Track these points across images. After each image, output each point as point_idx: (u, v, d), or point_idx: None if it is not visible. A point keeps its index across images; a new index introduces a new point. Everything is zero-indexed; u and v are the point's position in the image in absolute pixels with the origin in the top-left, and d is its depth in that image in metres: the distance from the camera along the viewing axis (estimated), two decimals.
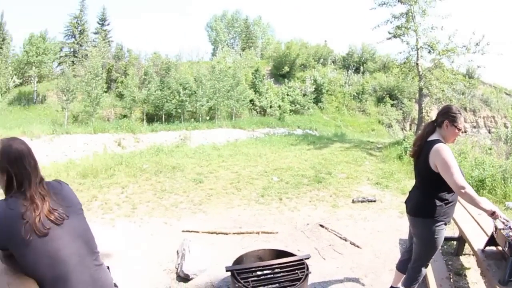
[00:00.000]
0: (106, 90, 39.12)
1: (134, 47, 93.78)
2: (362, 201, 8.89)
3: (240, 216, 8.38)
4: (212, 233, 7.36)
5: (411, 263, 4.38)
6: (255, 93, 43.13)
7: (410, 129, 41.91)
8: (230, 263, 5.13)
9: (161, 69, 43.93)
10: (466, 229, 5.03)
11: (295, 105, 44.18)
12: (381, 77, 52.24)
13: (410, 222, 4.35)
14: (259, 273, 4.83)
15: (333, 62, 58.82)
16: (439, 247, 4.23)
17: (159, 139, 24.70)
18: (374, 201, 8.97)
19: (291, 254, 5.05)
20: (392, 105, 47.57)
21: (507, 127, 42.27)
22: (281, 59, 52.14)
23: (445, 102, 22.63)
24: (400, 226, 7.38)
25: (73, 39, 58.09)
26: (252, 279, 4.65)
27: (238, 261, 5.05)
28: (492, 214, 3.80)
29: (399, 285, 4.77)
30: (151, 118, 37.02)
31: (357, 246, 6.44)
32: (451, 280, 5.21)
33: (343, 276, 5.44)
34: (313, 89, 47.23)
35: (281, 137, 25.04)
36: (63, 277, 2.53)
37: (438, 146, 3.82)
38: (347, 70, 54.35)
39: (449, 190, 3.88)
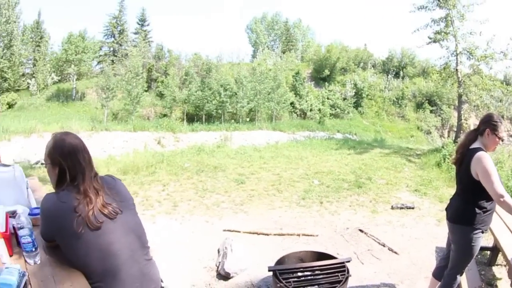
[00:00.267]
0: (146, 89, 39.58)
1: (174, 47, 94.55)
2: (401, 208, 8.89)
3: (281, 218, 8.43)
4: (253, 233, 7.44)
5: (447, 270, 4.36)
6: (296, 96, 42.99)
7: (449, 136, 41.11)
8: (270, 264, 5.18)
9: (201, 69, 44.14)
10: (502, 238, 4.99)
11: (335, 109, 43.91)
12: (420, 83, 51.65)
13: (449, 229, 4.36)
14: (299, 274, 4.82)
15: (373, 66, 58.29)
16: (475, 255, 4.24)
17: (199, 139, 24.85)
18: (413, 208, 8.95)
19: (332, 257, 5.10)
20: (431, 111, 46.92)
21: None
22: (321, 62, 51.86)
23: (484, 110, 22.40)
24: (437, 234, 7.35)
25: (112, 39, 58.97)
26: (293, 279, 4.64)
27: (280, 261, 5.08)
28: None
29: None
30: (191, 118, 37.14)
31: (395, 252, 6.46)
32: None
33: (380, 281, 5.48)
34: (353, 93, 46.83)
35: (322, 141, 24.95)
36: (113, 271, 2.57)
37: (479, 154, 3.85)
38: (387, 75, 53.79)
39: (488, 198, 3.91)
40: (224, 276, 5.83)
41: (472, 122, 32.24)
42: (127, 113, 35.53)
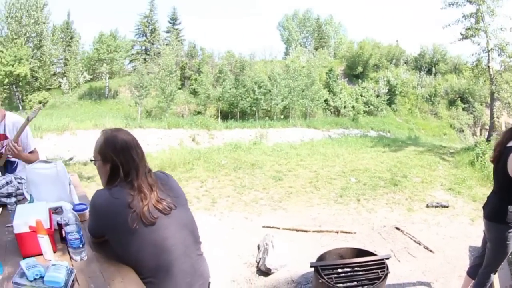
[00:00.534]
0: (180, 87, 39.88)
1: (207, 45, 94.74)
2: (436, 206, 8.91)
3: (319, 215, 8.48)
4: (292, 230, 7.51)
5: (482, 268, 4.35)
6: (329, 93, 42.80)
7: (481, 134, 40.47)
8: (310, 260, 5.14)
9: (235, 67, 44.24)
10: None
11: (369, 106, 43.67)
12: (452, 79, 51.05)
13: (485, 227, 4.33)
14: (339, 270, 4.84)
15: (405, 62, 57.83)
16: (509, 254, 4.23)
17: (234, 136, 24.94)
18: (447, 206, 8.96)
19: (372, 254, 5.12)
20: (463, 109, 46.39)
21: None
22: (354, 59, 51.67)
23: None
24: (470, 233, 7.36)
25: (144, 38, 59.52)
26: (334, 276, 4.66)
27: (321, 258, 5.09)
28: None
29: None
30: (225, 116, 37.17)
31: (430, 251, 6.49)
32: None
33: (415, 279, 5.53)
34: (386, 90, 46.43)
35: (357, 138, 24.91)
36: (166, 266, 2.58)
37: None
38: (419, 71, 53.31)
39: None
40: (264, 272, 5.88)
41: (504, 120, 31.75)
42: (161, 110, 35.87)
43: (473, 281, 4.57)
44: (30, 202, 3.58)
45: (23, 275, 2.27)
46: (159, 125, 26.77)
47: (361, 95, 45.13)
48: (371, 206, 8.98)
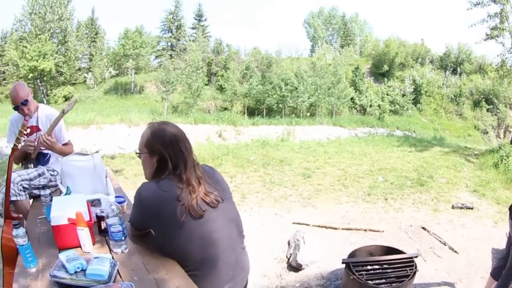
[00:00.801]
0: (206, 83, 39.97)
1: (233, 42, 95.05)
2: (461, 208, 8.93)
3: (348, 213, 8.57)
4: (322, 227, 7.59)
5: (505, 270, 4.34)
6: (355, 91, 42.58)
7: (505, 136, 40.19)
8: (339, 257, 5.25)
9: (261, 64, 44.30)
10: None
11: (394, 105, 43.41)
12: (477, 80, 50.27)
13: (510, 228, 4.37)
14: (369, 267, 4.92)
15: (430, 61, 57.24)
16: None
17: (260, 132, 25.02)
18: (472, 208, 8.97)
19: (401, 252, 5.18)
20: (487, 110, 45.71)
21: None
22: (380, 57, 51.32)
23: None
24: (494, 235, 7.38)
25: (169, 34, 60.16)
26: (364, 272, 4.75)
27: (352, 255, 5.14)
28: None
29: None
30: (251, 112, 37.16)
31: (455, 251, 6.53)
32: None
33: (440, 279, 5.56)
34: (412, 90, 46.06)
35: (383, 137, 24.87)
36: (211, 259, 2.57)
37: None
38: (445, 71, 52.70)
39: None
40: (295, 267, 5.92)
41: None
42: (187, 106, 36.00)
43: (496, 282, 4.59)
44: (67, 194, 3.59)
45: (62, 267, 2.30)
46: (185, 121, 26.75)
47: (387, 94, 44.84)
48: (398, 205, 9.05)
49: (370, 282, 4.56)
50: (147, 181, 2.78)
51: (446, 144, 20.13)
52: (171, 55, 53.89)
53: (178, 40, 61.17)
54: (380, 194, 9.85)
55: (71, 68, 49.18)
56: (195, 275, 2.47)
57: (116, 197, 3.57)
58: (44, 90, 44.40)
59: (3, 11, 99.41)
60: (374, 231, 7.40)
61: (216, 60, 50.24)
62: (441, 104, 48.56)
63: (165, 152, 2.63)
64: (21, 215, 3.93)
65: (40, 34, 45.84)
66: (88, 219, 2.76)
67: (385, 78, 49.17)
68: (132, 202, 2.87)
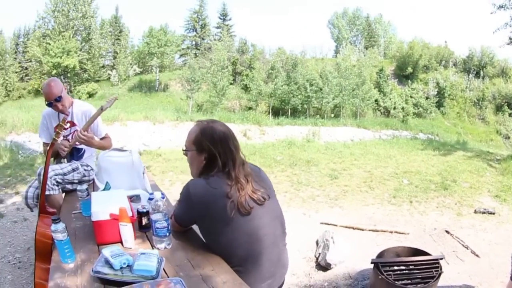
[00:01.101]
0: (232, 82, 40.29)
1: (257, 41, 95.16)
2: (483, 212, 8.92)
3: (374, 214, 8.64)
4: (349, 228, 7.68)
5: None
6: (380, 93, 42.48)
7: None
8: (366, 257, 5.39)
9: (286, 64, 44.38)
10: None
11: (418, 108, 43.00)
12: (500, 84, 49.57)
13: None
14: (395, 268, 4.98)
15: (454, 64, 56.53)
16: None
17: (285, 133, 24.94)
18: (493, 213, 8.95)
19: (427, 254, 5.25)
20: (509, 115, 44.94)
21: None
22: (404, 59, 50.89)
23: None
24: None
25: (194, 33, 60.54)
26: (392, 273, 4.84)
27: (380, 255, 5.26)
28: None
29: None
30: (276, 112, 37.19)
31: (477, 255, 6.56)
32: None
33: (462, 282, 5.60)
34: (436, 93, 45.62)
35: (408, 140, 24.68)
36: (255, 255, 2.61)
37: None
38: (468, 74, 52.07)
39: None
40: (323, 267, 5.98)
41: None
42: (212, 105, 36.26)
43: None
44: (105, 189, 3.64)
45: (106, 263, 2.31)
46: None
47: (411, 97, 44.49)
48: (423, 208, 9.09)
49: (397, 282, 4.64)
50: (193, 178, 2.87)
51: (469, 148, 19.96)
52: (195, 54, 54.24)
53: (203, 39, 61.52)
54: (405, 196, 9.89)
55: (95, 65, 49.79)
56: (238, 271, 2.50)
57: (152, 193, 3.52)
58: (68, 87, 43.62)
59: (25, 9, 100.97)
60: (400, 233, 7.49)
61: (241, 60, 50.38)
62: (464, 107, 48.06)
63: (215, 149, 2.67)
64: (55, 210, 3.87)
65: (63, 31, 46.41)
66: (131, 214, 2.82)
67: (409, 81, 48.73)
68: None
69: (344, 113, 37.69)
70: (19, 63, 55.11)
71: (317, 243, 6.67)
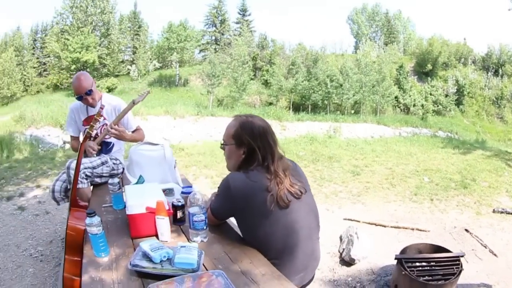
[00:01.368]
0: (252, 77, 40.25)
1: (277, 37, 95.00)
2: (501, 212, 8.88)
3: (396, 211, 8.67)
4: (371, 224, 7.75)
5: None
6: (399, 90, 42.37)
7: None
8: (388, 254, 5.56)
9: (306, 59, 44.31)
10: None
11: (437, 106, 42.77)
12: None
13: None
14: (417, 264, 5.02)
15: (473, 62, 56.00)
16: None
17: (305, 128, 24.85)
18: (511, 213, 8.86)
19: (448, 251, 5.28)
20: None
21: None
22: (423, 56, 50.58)
23: None
24: None
25: (213, 28, 60.87)
26: (414, 269, 4.86)
27: (403, 251, 5.27)
28: None
29: None
30: (296, 108, 37.24)
31: (494, 255, 6.55)
32: None
33: (479, 280, 5.60)
34: (455, 90, 45.31)
35: (428, 138, 24.47)
36: (291, 248, 2.62)
37: None
38: (487, 72, 51.64)
39: None
40: (347, 262, 5.98)
41: None
42: (232, 100, 36.27)
43: None
44: (138, 183, 3.68)
45: (143, 256, 2.31)
46: (230, 114, 26.48)
47: (430, 94, 44.25)
48: (443, 206, 9.12)
49: (420, 278, 4.68)
50: (231, 172, 2.86)
51: (488, 147, 19.71)
52: (215, 49, 54.40)
53: (222, 34, 61.76)
54: (426, 194, 9.89)
55: (114, 60, 50.33)
56: (274, 264, 2.49)
57: (185, 187, 3.60)
58: None
59: (42, 5, 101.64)
60: (421, 230, 7.53)
61: (261, 55, 50.43)
62: (483, 106, 47.68)
63: (254, 143, 2.69)
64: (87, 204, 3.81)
65: (82, 27, 46.95)
66: (168, 208, 2.82)
67: (429, 78, 48.43)
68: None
69: (364, 109, 37.62)
70: (37, 58, 55.96)
71: (340, 238, 6.69)
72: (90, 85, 4.48)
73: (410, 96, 42.56)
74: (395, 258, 4.99)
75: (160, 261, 2.25)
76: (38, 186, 9.50)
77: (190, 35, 51.46)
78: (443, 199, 9.63)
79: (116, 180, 3.49)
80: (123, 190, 3.44)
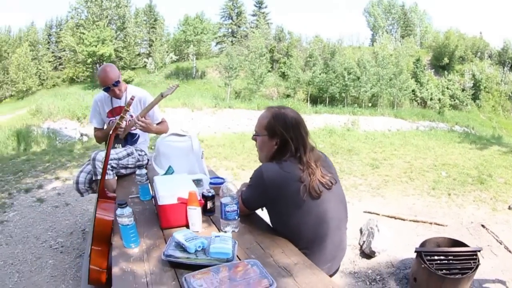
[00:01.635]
0: (269, 69, 40.81)
1: (294, 29, 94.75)
2: None
3: (414, 205, 8.69)
4: (391, 217, 7.78)
5: None
6: (416, 83, 42.45)
7: None
8: (407, 247, 5.66)
9: (323, 52, 44.27)
10: None
11: (454, 100, 42.79)
12: None
13: None
14: (435, 257, 5.00)
15: (489, 56, 55.64)
16: None
17: (323, 121, 24.83)
18: None
19: (465, 245, 5.33)
20: None
21: None
22: (440, 49, 50.56)
23: None
24: None
25: (230, 21, 61.06)
26: (434, 262, 4.93)
27: (422, 245, 5.32)
28: None
29: None
30: (314, 100, 37.52)
31: (510, 251, 6.51)
32: None
33: (494, 276, 5.59)
34: (472, 85, 45.22)
35: (445, 133, 24.30)
36: (321, 238, 2.66)
37: None
38: (503, 67, 51.34)
39: None
40: (367, 254, 6.01)
41: None
42: (250, 92, 36.85)
43: None
44: (167, 173, 3.65)
45: (177, 247, 2.31)
46: (249, 106, 27.50)
47: (447, 88, 44.21)
48: (460, 201, 9.12)
49: (439, 272, 4.72)
50: (263, 162, 2.88)
51: (504, 143, 19.43)
52: (232, 42, 54.58)
53: (239, 26, 61.97)
54: (444, 189, 9.90)
55: (131, 53, 51.16)
56: (304, 253, 2.50)
57: (213, 178, 3.63)
58: None
59: (56, 0, 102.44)
60: (439, 224, 7.55)
61: (278, 47, 50.52)
62: (499, 101, 47.56)
63: (287, 135, 2.70)
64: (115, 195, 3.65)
65: (97, 21, 47.62)
66: (199, 198, 2.80)
67: (445, 71, 48.37)
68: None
69: (381, 102, 37.68)
70: (52, 52, 56.94)
71: (361, 231, 6.75)
72: (117, 76, 4.53)
73: (427, 90, 42.51)
74: (415, 251, 5.04)
75: (195, 251, 2.26)
76: (57, 178, 9.56)
77: (206, 28, 51.83)
78: (460, 194, 9.63)
79: (144, 171, 3.51)
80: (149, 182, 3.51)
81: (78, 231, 6.37)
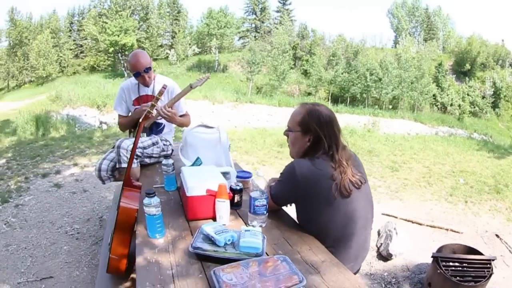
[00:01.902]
0: (292, 66, 40.58)
1: (317, 27, 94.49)
2: None
3: (432, 210, 8.65)
4: (408, 221, 7.77)
5: None
6: (437, 88, 41.89)
7: None
8: (422, 252, 5.66)
9: (346, 51, 44.20)
10: None
11: (474, 107, 42.20)
12: None
13: None
14: (450, 263, 4.98)
15: (510, 65, 54.54)
16: None
17: (344, 121, 24.58)
18: None
19: (481, 253, 5.32)
20: None
21: None
22: (462, 55, 49.59)
23: None
24: None
25: (253, 16, 61.05)
26: (449, 268, 4.94)
27: (439, 250, 5.33)
28: None
29: None
30: (335, 99, 37.56)
31: None
32: None
33: (506, 287, 5.55)
34: (492, 92, 44.51)
35: (464, 140, 23.99)
36: (348, 236, 2.63)
37: None
38: None
39: None
40: (384, 257, 6.02)
41: None
42: (271, 88, 36.73)
43: None
44: (195, 164, 3.60)
45: (205, 239, 2.28)
46: (269, 102, 27.67)
47: (468, 94, 43.61)
48: (477, 210, 9.06)
49: (453, 278, 4.73)
50: (294, 159, 2.82)
51: None
52: (255, 37, 54.65)
53: (262, 22, 61.94)
54: (461, 196, 9.86)
55: (153, 44, 51.48)
56: (330, 251, 2.45)
57: (242, 171, 3.53)
58: (125, 64, 45.41)
59: None
60: (454, 231, 7.51)
61: (301, 45, 50.44)
62: None
63: (321, 132, 2.65)
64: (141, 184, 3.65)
65: (120, 11, 47.70)
66: (228, 191, 2.74)
67: (466, 77, 47.59)
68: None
69: (402, 105, 37.43)
70: (74, 40, 57.43)
71: (378, 233, 6.70)
72: (149, 63, 4.44)
73: (447, 95, 42.10)
74: (432, 256, 5.08)
75: (224, 245, 2.22)
76: (76, 164, 9.55)
77: (230, 22, 51.73)
78: (476, 202, 9.58)
79: (170, 161, 3.41)
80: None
81: (95, 218, 6.38)
